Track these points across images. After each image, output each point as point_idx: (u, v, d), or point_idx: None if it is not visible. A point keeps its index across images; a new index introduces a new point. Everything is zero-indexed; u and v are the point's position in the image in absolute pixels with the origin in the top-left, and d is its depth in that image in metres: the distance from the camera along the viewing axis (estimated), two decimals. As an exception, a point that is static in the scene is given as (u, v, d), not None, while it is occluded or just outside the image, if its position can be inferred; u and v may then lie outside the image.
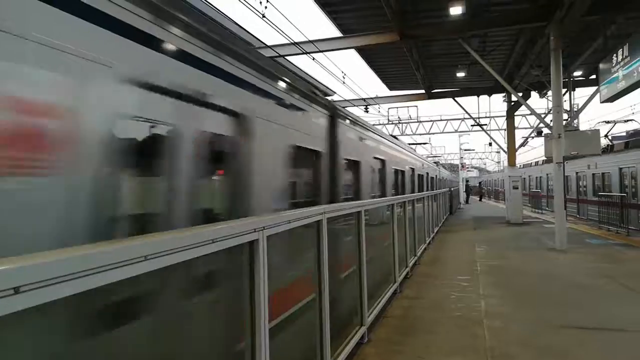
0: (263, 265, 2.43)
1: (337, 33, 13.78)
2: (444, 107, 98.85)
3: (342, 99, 19.02)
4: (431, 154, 63.30)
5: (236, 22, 8.34)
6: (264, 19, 9.70)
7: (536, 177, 30.06)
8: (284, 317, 3.50)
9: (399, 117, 30.35)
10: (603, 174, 18.88)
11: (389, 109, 28.93)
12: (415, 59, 16.46)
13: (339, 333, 4.22)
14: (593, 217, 18.38)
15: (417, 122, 33.90)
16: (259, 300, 2.39)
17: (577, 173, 22.21)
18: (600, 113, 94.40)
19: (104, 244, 1.44)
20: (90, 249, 1.33)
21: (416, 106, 30.39)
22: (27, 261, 1.13)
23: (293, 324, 3.71)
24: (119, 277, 1.39)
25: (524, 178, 31.63)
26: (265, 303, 2.42)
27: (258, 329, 2.37)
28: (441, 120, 36.00)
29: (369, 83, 29.99)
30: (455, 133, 37.21)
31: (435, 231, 14.49)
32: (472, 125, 29.93)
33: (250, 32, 9.46)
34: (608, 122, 23.86)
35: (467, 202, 40.74)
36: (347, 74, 16.67)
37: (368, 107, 23.78)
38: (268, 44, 12.02)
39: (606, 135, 21.29)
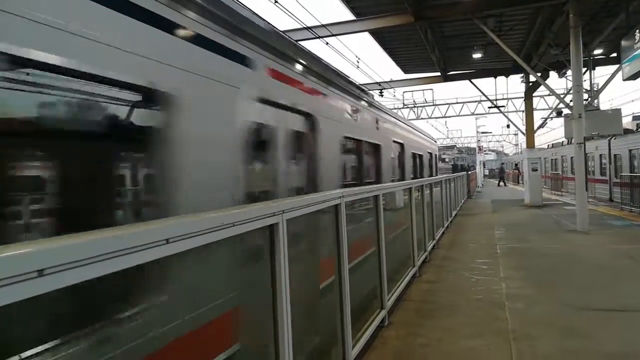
0: (283, 248, 2.42)
1: (350, 16, 13.60)
2: (460, 89, 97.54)
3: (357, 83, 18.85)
4: (448, 137, 62.71)
5: (247, 6, 8.24)
6: (276, 4, 9.61)
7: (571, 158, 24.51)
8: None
9: (414, 101, 30.02)
10: None
11: (404, 92, 28.63)
12: (430, 41, 16.18)
13: (359, 316, 4.22)
14: None
15: (433, 105, 33.50)
16: (280, 282, 2.39)
17: (630, 151, 18.58)
18: (621, 92, 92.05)
19: (126, 227, 1.43)
20: (113, 232, 1.32)
21: (431, 89, 30.03)
22: (50, 244, 1.12)
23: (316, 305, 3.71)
24: (142, 260, 1.39)
25: (554, 159, 30.35)
26: (287, 285, 2.42)
27: (280, 311, 2.37)
28: (457, 103, 35.53)
29: (384, 66, 29.63)
30: (472, 116, 36.74)
31: (453, 215, 14.37)
32: (489, 108, 29.46)
33: (262, 16, 9.36)
34: None
35: (502, 184, 39.27)
36: (361, 58, 16.50)
37: (383, 91, 23.54)
38: (280, 29, 11.91)
39: None
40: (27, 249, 1.04)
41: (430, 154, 15.07)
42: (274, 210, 2.39)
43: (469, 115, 35.79)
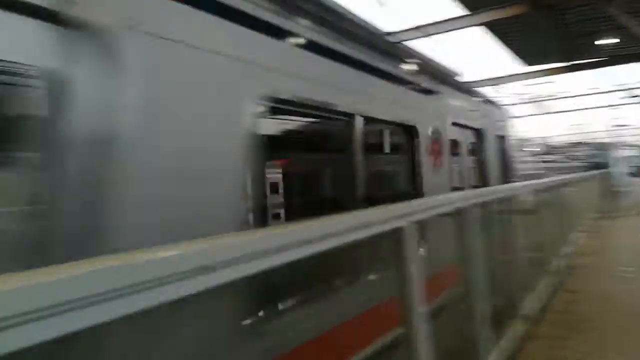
0: (411, 251, 2.34)
1: (458, 12, 13.13)
2: (589, 79, 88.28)
3: (471, 80, 18.09)
4: (579, 132, 57.25)
5: (352, 11, 8.35)
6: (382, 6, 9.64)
7: None
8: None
9: (536, 95, 28.10)
10: None
11: (524, 86, 26.96)
12: (551, 29, 14.98)
13: (498, 326, 3.96)
14: None
15: (559, 98, 30.84)
16: (411, 287, 2.31)
17: None
18: None
19: (266, 230, 1.51)
20: (257, 235, 1.40)
21: (553, 81, 27.85)
22: (217, 242, 1.26)
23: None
24: (282, 261, 1.44)
25: None
26: (416, 290, 2.33)
27: (411, 317, 2.30)
28: (586, 95, 32.20)
29: (500, 61, 28.15)
30: (605, 108, 33.11)
31: (589, 218, 12.99)
32: (631, 97, 26.20)
33: (366, 20, 9.45)
34: None
35: None
36: (473, 54, 15.80)
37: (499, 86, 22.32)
38: (384, 30, 11.89)
39: None
40: (194, 247, 1.17)
41: (478, 131, 6.84)
42: (400, 212, 2.34)
43: (603, 107, 32.26)
